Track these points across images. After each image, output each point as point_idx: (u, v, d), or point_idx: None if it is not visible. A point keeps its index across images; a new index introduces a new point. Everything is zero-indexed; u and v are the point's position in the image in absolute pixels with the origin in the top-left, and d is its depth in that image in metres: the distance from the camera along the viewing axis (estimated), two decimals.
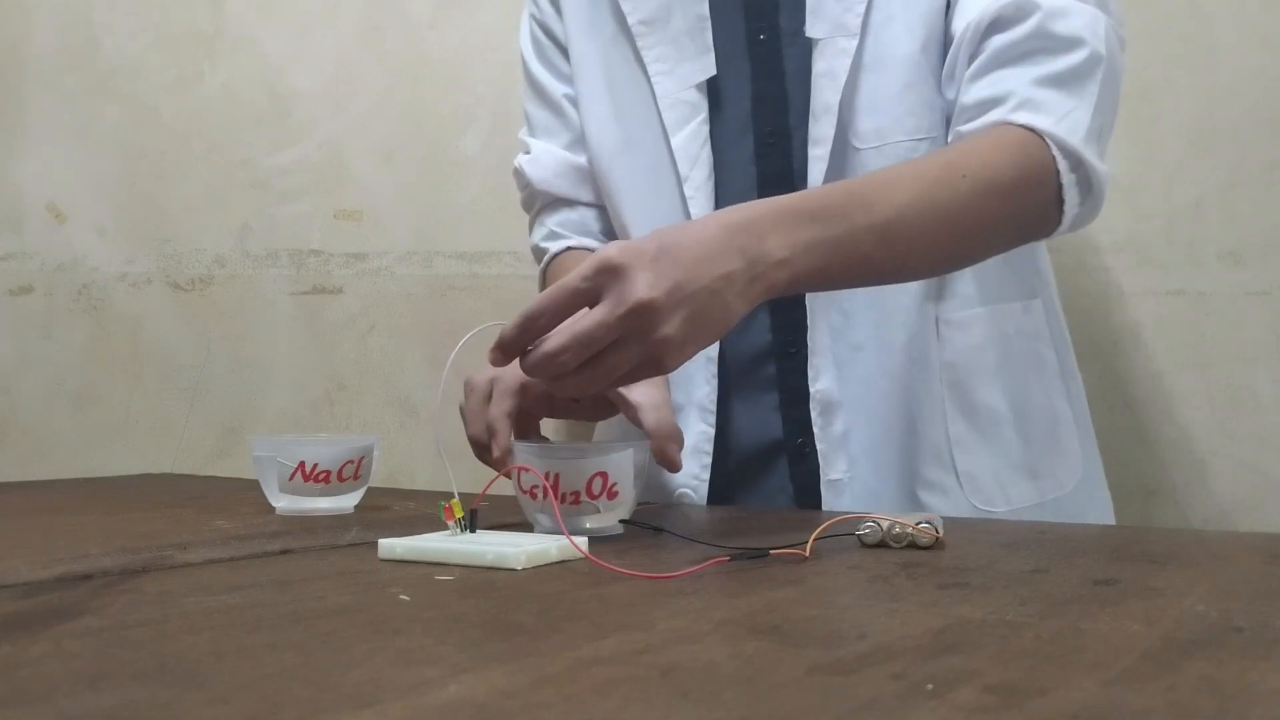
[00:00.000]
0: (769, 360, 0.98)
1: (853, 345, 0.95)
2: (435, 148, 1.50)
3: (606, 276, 0.67)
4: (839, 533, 0.67)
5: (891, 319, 0.95)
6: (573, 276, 0.68)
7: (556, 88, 1.10)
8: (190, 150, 1.53)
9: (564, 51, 1.09)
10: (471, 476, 0.74)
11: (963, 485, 0.94)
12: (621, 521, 0.72)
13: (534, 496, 0.70)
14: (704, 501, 0.98)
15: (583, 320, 0.67)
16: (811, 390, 0.94)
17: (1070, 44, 0.86)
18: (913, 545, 0.66)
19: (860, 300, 0.94)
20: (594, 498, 0.70)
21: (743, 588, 0.54)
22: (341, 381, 1.51)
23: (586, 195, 1.10)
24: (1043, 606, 0.49)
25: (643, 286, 0.67)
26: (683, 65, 0.99)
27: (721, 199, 0.98)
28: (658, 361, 0.69)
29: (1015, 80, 0.86)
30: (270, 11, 1.53)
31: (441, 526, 0.66)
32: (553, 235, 1.10)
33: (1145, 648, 0.41)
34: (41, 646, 0.41)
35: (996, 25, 0.88)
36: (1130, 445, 1.24)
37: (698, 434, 0.98)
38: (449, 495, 0.67)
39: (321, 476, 0.82)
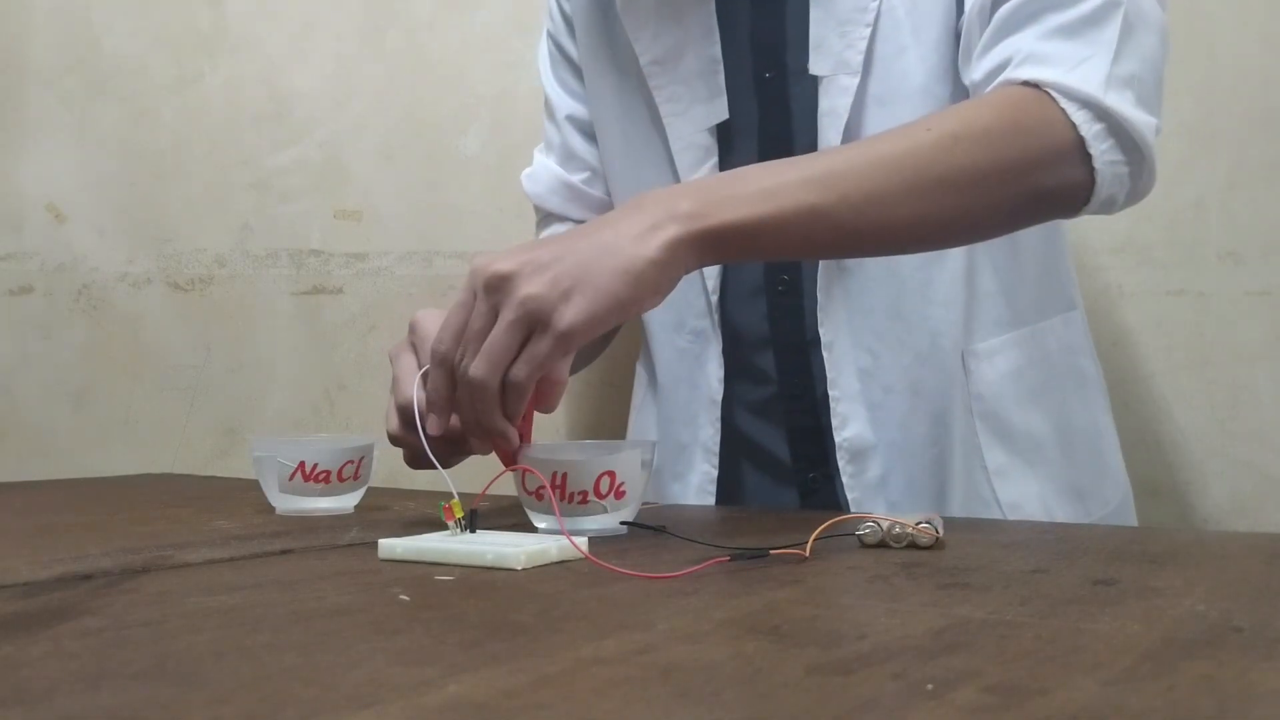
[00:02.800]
0: (776, 401, 0.97)
1: (884, 388, 0.92)
2: (435, 148, 1.50)
3: (471, 278, 0.69)
4: (839, 533, 0.67)
5: (922, 357, 0.92)
6: (453, 303, 0.70)
7: (562, 105, 1.11)
8: (190, 150, 1.53)
9: (576, 70, 1.10)
10: (472, 476, 0.74)
11: (1006, 515, 0.91)
12: (623, 522, 0.72)
13: (540, 498, 0.70)
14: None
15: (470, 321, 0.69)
16: (838, 439, 0.92)
17: None
18: (913, 545, 0.66)
19: (889, 340, 0.92)
20: (601, 497, 0.70)
21: (743, 588, 0.54)
22: (341, 382, 1.51)
23: (576, 212, 1.11)
24: (1043, 606, 0.49)
25: (496, 263, 0.68)
26: (695, 108, 0.96)
27: None
28: (542, 322, 0.66)
29: (1021, 40, 0.79)
30: (270, 11, 1.53)
31: (441, 526, 0.66)
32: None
33: (1145, 648, 0.41)
34: (41, 646, 0.41)
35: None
36: (1130, 445, 1.24)
37: (701, 475, 0.98)
38: (449, 495, 0.67)
39: (321, 476, 0.82)
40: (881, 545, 0.66)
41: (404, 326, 0.78)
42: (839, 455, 0.92)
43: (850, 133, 0.90)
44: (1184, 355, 1.23)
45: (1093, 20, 0.77)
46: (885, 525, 0.66)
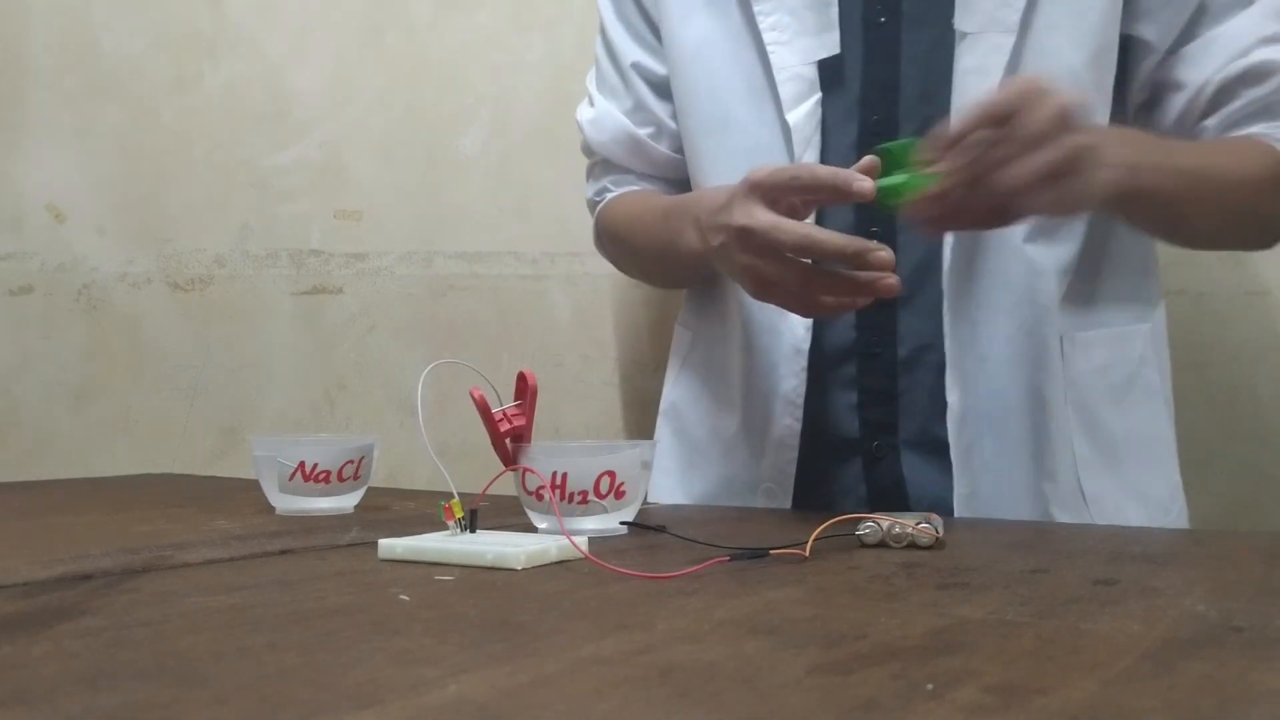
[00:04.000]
0: (850, 359, 0.95)
1: (980, 356, 0.91)
2: (435, 148, 1.50)
3: (1020, 98, 0.73)
4: (839, 533, 0.67)
5: (1022, 331, 0.91)
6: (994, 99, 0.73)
7: (628, 51, 1.07)
8: (190, 150, 1.53)
9: (644, 14, 1.06)
10: (472, 477, 0.74)
11: (1089, 505, 0.92)
12: (622, 522, 0.72)
13: (540, 498, 0.70)
14: (789, 499, 0.96)
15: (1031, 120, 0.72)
16: (948, 400, 0.91)
17: None
18: (913, 545, 0.66)
19: (989, 310, 0.91)
20: (601, 497, 0.70)
21: (743, 588, 0.54)
22: (341, 381, 1.51)
23: (640, 165, 1.09)
24: (1043, 606, 0.49)
25: (1061, 103, 0.73)
26: (802, 39, 0.94)
27: None
28: (1067, 175, 0.73)
29: (1268, 128, 0.91)
30: (270, 11, 1.53)
31: (441, 526, 0.66)
32: (606, 189, 1.11)
33: (1145, 648, 0.41)
34: (41, 646, 0.41)
35: (1244, 81, 0.91)
36: None
37: (783, 428, 0.95)
38: (449, 495, 0.67)
39: (321, 476, 0.82)
40: (881, 545, 0.66)
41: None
42: (949, 424, 0.91)
43: None
44: (1184, 355, 1.23)
45: None
46: (885, 525, 0.66)
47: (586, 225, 1.16)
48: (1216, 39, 0.92)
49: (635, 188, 1.10)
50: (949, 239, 0.91)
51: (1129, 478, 0.94)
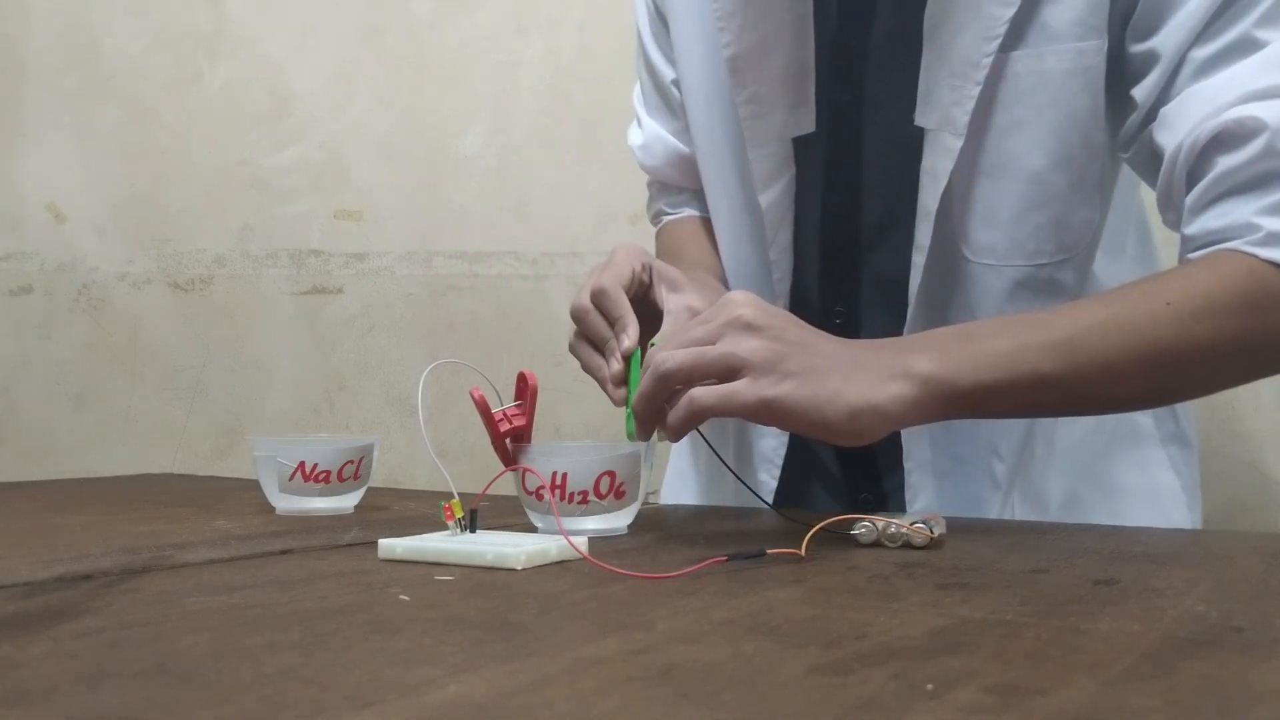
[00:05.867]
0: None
1: (954, 458, 0.88)
2: (435, 148, 1.50)
3: (723, 306, 0.71)
4: (835, 532, 0.67)
5: (997, 423, 0.87)
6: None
7: (667, 70, 1.04)
8: (190, 150, 1.53)
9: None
10: (472, 477, 0.74)
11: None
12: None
13: (540, 498, 0.70)
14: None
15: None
16: (909, 510, 0.89)
17: None
18: (908, 545, 0.66)
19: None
20: (601, 497, 0.70)
21: (742, 588, 0.54)
22: (341, 381, 1.51)
23: (693, 183, 1.06)
24: (1043, 606, 0.49)
25: (752, 310, 0.70)
26: (777, 113, 0.89)
27: (796, 269, 0.93)
28: (750, 379, 0.68)
29: (1247, 209, 0.73)
30: (270, 11, 1.53)
31: (441, 526, 0.66)
32: (662, 213, 1.11)
33: (1145, 648, 0.41)
34: (41, 646, 0.41)
35: (1218, 144, 0.74)
36: None
37: (760, 484, 0.95)
38: (449, 495, 0.67)
39: (321, 476, 0.82)
40: (877, 545, 0.66)
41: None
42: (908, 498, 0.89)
43: (949, 199, 0.83)
44: None
45: None
46: (880, 525, 0.66)
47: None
48: (1196, 93, 0.76)
49: (692, 212, 1.08)
50: (915, 285, 0.86)
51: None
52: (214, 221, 1.53)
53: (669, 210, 1.10)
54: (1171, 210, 0.80)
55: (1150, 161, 0.81)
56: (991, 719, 0.33)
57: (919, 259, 0.85)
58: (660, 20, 1.03)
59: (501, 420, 0.73)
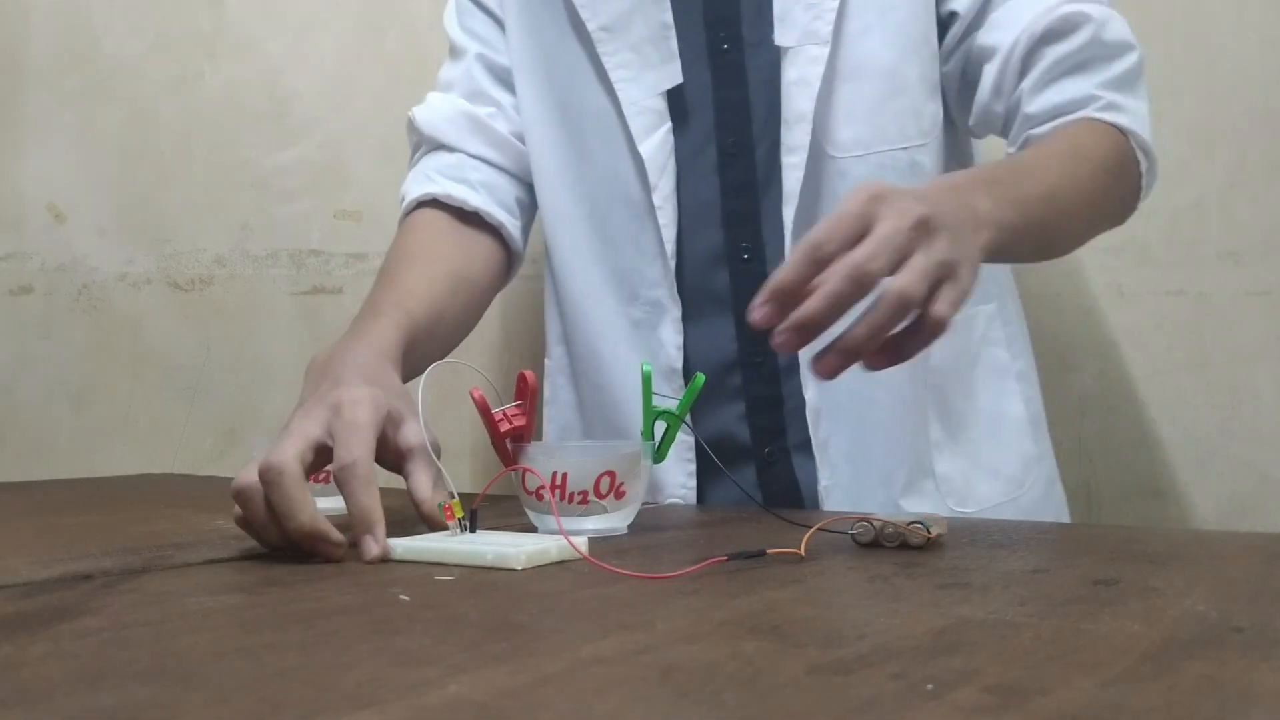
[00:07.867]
0: (735, 370, 0.97)
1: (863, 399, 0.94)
2: None
3: (878, 203, 0.65)
4: (833, 531, 0.67)
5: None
6: (847, 206, 0.65)
7: (471, 47, 1.07)
8: (190, 150, 1.53)
9: (495, 22, 1.07)
10: (472, 476, 0.74)
11: (939, 487, 0.96)
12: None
13: (540, 498, 0.70)
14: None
15: (878, 228, 0.64)
16: (804, 400, 0.94)
17: (1122, 48, 0.92)
18: (905, 545, 0.66)
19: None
20: (601, 497, 0.70)
21: (742, 588, 0.54)
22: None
23: (474, 146, 1.05)
24: (1043, 606, 0.49)
25: (916, 205, 0.65)
26: (646, 73, 0.97)
27: (684, 209, 0.97)
28: (953, 270, 0.66)
29: (1086, 85, 0.90)
30: (270, 12, 1.53)
31: (442, 527, 0.66)
32: (423, 179, 1.04)
33: (1145, 648, 0.41)
34: (41, 646, 0.41)
35: (1049, 37, 0.91)
36: (1130, 445, 1.24)
37: (678, 442, 0.96)
38: (449, 495, 0.67)
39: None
40: (875, 544, 0.66)
41: None
42: (786, 415, 0.94)
43: (822, 102, 0.92)
44: (1184, 355, 1.23)
45: (1136, 74, 0.92)
46: (878, 525, 0.66)
47: None
48: None
49: (458, 190, 1.03)
50: (793, 183, 0.93)
51: (980, 456, 0.98)
52: (214, 222, 1.53)
53: (432, 176, 1.04)
54: (1003, 98, 0.93)
55: (972, 68, 0.96)
56: (991, 719, 0.33)
57: (794, 159, 0.93)
58: (474, 6, 1.08)
59: (501, 420, 0.73)
